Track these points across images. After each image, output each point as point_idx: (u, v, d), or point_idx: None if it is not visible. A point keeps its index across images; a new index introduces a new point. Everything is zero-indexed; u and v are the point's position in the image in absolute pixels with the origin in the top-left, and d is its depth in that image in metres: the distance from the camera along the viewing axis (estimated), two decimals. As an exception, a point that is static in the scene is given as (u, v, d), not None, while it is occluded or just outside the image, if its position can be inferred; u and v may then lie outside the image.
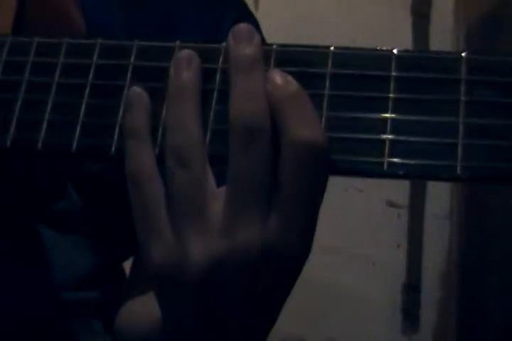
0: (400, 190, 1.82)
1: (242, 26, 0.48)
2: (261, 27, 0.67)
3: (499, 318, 1.62)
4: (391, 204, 1.82)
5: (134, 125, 0.48)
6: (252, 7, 1.67)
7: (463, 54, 0.46)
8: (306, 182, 0.46)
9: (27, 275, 0.62)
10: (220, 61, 0.49)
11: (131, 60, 0.51)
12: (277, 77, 0.47)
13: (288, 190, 0.46)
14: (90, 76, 0.51)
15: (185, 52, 0.49)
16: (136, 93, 0.49)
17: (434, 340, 1.79)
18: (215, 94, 0.49)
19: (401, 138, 0.46)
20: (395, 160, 0.46)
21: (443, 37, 1.79)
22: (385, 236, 1.80)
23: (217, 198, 0.47)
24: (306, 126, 0.46)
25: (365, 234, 1.79)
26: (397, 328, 1.78)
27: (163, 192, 0.48)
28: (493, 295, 1.65)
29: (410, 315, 1.79)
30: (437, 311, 1.79)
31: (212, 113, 0.48)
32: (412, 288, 1.80)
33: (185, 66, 0.49)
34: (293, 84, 0.47)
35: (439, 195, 1.83)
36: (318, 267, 1.81)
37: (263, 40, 0.49)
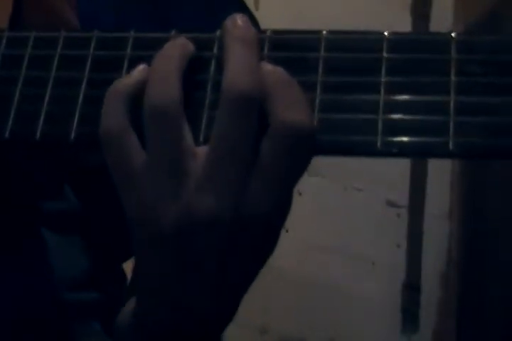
0: (400, 190, 1.82)
1: (240, 14, 0.51)
2: (261, 27, 0.67)
3: (499, 318, 1.62)
4: (391, 204, 1.82)
5: (116, 86, 0.50)
6: (252, 7, 1.68)
7: (453, 34, 0.48)
8: (285, 161, 0.48)
9: (28, 276, 0.62)
10: (215, 50, 0.51)
11: (128, 52, 0.52)
12: (267, 65, 0.49)
13: (267, 165, 0.48)
14: (87, 68, 0.52)
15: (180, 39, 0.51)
16: (140, 66, 0.51)
17: (434, 340, 1.79)
18: (209, 81, 0.50)
19: (394, 116, 0.47)
20: (389, 138, 0.47)
21: (443, 37, 1.79)
22: (385, 236, 1.80)
23: (195, 155, 0.48)
24: (293, 109, 0.47)
25: (365, 234, 1.79)
26: (397, 328, 1.78)
27: (139, 146, 0.49)
28: (493, 295, 1.65)
29: (410, 315, 1.79)
30: (437, 311, 1.79)
31: (207, 100, 0.50)
32: (412, 288, 1.80)
33: (178, 39, 0.51)
34: (282, 71, 0.49)
35: (439, 195, 1.83)
36: (318, 267, 1.81)
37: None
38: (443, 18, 1.84)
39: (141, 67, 0.51)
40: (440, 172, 1.84)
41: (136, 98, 0.50)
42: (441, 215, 1.81)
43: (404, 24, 1.82)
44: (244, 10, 0.73)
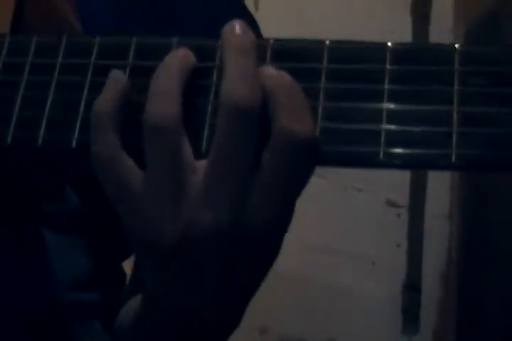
0: (400, 190, 1.82)
1: (238, 20, 0.50)
2: (261, 27, 0.67)
3: (499, 318, 1.62)
4: (391, 204, 1.82)
5: (97, 108, 0.49)
6: (252, 7, 1.68)
7: (456, 45, 0.48)
8: (287, 172, 0.47)
9: (29, 276, 0.62)
10: (217, 58, 0.50)
11: (129, 58, 0.52)
12: (270, 69, 0.48)
13: (268, 176, 0.47)
14: (89, 74, 0.52)
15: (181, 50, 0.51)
16: (114, 74, 0.50)
17: (434, 340, 1.79)
18: (212, 90, 0.50)
19: (396, 128, 0.47)
20: (391, 149, 0.46)
21: (443, 37, 1.80)
22: (385, 236, 1.80)
23: (195, 170, 0.48)
24: (296, 118, 0.47)
25: (365, 234, 1.79)
26: (397, 328, 1.78)
27: (134, 166, 0.49)
28: (493, 295, 1.65)
29: (410, 315, 1.79)
30: (437, 311, 1.79)
31: (209, 108, 0.49)
32: (412, 288, 1.80)
33: (180, 50, 0.50)
34: (287, 77, 0.48)
35: (439, 195, 1.83)
36: (318, 267, 1.81)
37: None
38: (443, 19, 1.84)
39: (113, 76, 0.50)
40: (440, 172, 1.84)
41: (122, 112, 0.49)
42: (441, 215, 1.81)
43: (404, 24, 1.82)
44: (244, 9, 0.73)
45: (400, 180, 1.82)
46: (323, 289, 1.79)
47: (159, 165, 0.48)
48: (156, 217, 0.49)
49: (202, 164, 0.48)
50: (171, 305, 0.52)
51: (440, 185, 1.83)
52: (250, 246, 0.49)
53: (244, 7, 0.73)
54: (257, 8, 1.79)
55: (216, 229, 0.48)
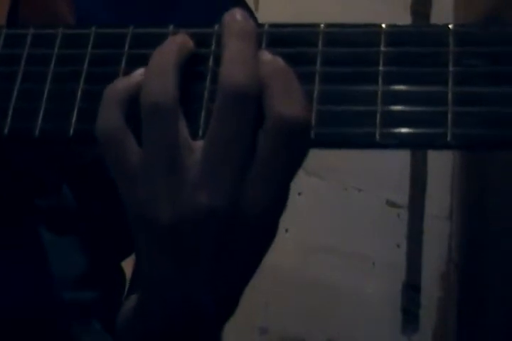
0: (400, 190, 1.82)
1: (239, 9, 0.51)
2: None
3: (499, 318, 1.62)
4: (391, 204, 1.82)
5: (115, 86, 0.50)
6: (252, 7, 1.68)
7: (450, 26, 0.48)
8: (281, 155, 0.48)
9: (27, 275, 0.62)
10: (213, 45, 0.51)
11: (126, 47, 0.52)
12: (266, 54, 0.49)
13: (263, 158, 0.48)
14: (85, 64, 0.52)
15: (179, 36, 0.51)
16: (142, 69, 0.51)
17: (434, 340, 1.79)
18: (208, 76, 0.50)
19: (392, 109, 0.47)
20: (387, 130, 0.47)
21: (443, 37, 1.80)
22: (385, 236, 1.80)
23: (192, 150, 0.49)
24: (289, 102, 0.47)
25: (365, 234, 1.79)
26: (397, 328, 1.79)
27: (136, 145, 0.49)
28: (493, 295, 1.65)
29: (410, 315, 1.79)
30: (437, 311, 1.79)
31: (206, 94, 0.50)
32: (412, 288, 1.80)
33: (178, 35, 0.51)
34: (280, 62, 0.49)
35: (439, 195, 1.83)
36: (318, 267, 1.81)
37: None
38: (443, 18, 1.84)
39: (142, 69, 0.51)
40: (440, 172, 1.84)
41: (135, 99, 0.50)
42: (441, 215, 1.82)
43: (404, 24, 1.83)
44: (244, 5, 0.73)
45: (399, 180, 1.82)
46: (323, 289, 1.79)
47: (155, 143, 0.49)
48: (153, 196, 0.49)
49: (199, 145, 0.49)
50: (168, 291, 0.52)
51: (440, 185, 1.83)
52: (247, 228, 0.49)
53: (244, 3, 0.74)
54: (257, 8, 1.79)
55: (213, 210, 0.48)
